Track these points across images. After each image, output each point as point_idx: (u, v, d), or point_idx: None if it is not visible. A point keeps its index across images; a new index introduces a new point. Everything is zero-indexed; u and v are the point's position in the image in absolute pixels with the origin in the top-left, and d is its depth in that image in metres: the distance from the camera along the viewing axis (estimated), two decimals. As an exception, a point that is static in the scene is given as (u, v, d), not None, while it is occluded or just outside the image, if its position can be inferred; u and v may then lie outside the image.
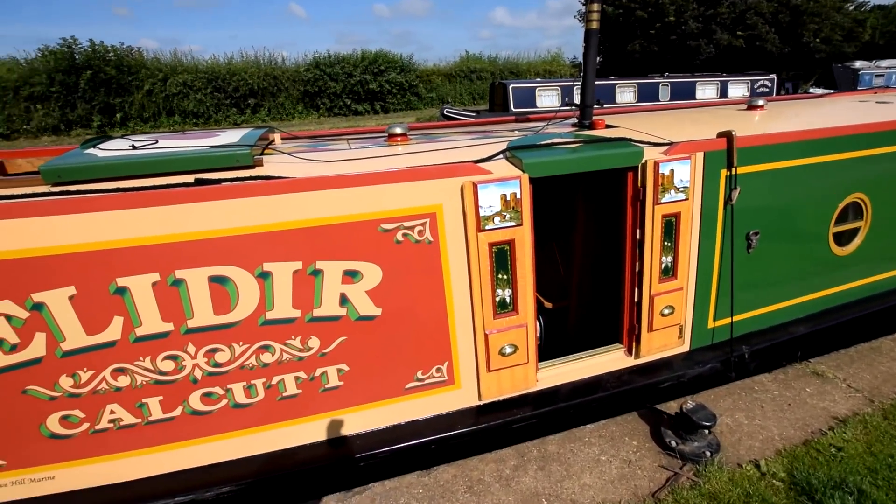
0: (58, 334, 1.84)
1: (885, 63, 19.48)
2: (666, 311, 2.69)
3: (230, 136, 2.49)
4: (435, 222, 2.17)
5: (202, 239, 1.89)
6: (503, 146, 2.54)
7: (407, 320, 2.26)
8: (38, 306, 1.79)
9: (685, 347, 2.91)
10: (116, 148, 2.22)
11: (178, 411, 2.06)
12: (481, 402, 2.53)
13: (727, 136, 2.57)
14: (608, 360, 2.82)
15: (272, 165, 2.27)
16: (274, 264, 2.00)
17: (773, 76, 17.79)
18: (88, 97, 20.10)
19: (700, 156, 2.55)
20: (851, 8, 25.04)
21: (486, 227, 2.22)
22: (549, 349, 3.30)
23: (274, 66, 22.92)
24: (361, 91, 23.37)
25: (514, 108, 15.49)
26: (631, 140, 2.58)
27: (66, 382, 1.90)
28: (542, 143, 2.54)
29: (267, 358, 2.10)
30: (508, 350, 2.42)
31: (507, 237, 2.26)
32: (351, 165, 2.30)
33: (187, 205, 1.85)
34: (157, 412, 2.04)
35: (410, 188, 2.11)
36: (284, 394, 2.17)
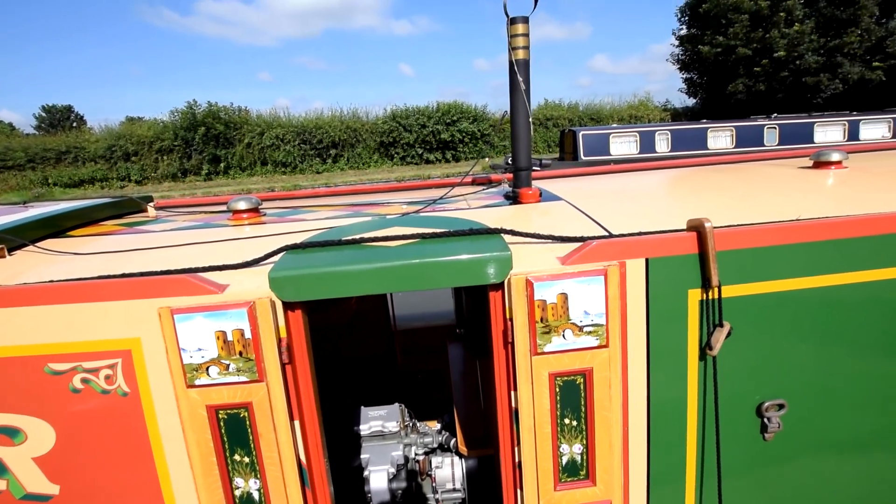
0: None
1: None
2: None
3: (37, 213, 2.06)
4: (130, 365, 1.46)
5: None
6: (304, 238, 1.69)
7: None
8: None
9: None
10: None
11: None
12: None
13: (698, 229, 1.38)
14: None
15: (19, 260, 1.75)
16: None
17: (929, 113, 14.24)
18: (200, 149, 23.33)
19: (637, 266, 1.41)
20: None
21: (197, 383, 1.43)
22: None
23: (355, 119, 24.58)
24: (434, 140, 23.85)
25: (585, 156, 14.47)
26: (507, 233, 1.52)
27: None
28: (349, 237, 1.60)
29: None
30: None
31: (236, 399, 1.44)
32: (116, 262, 1.66)
33: None
34: None
35: (92, 312, 1.42)
36: None
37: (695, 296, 1.41)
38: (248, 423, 1.44)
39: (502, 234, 1.49)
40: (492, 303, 1.44)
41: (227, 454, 1.45)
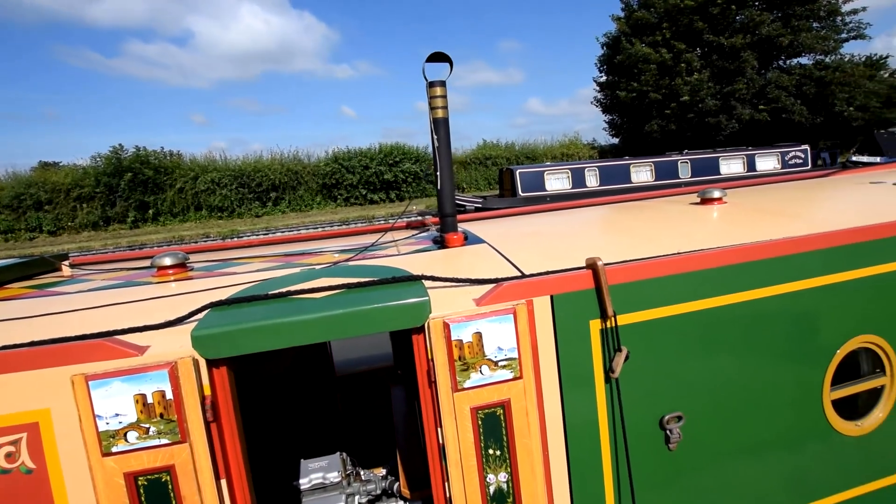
0: None
1: (936, 127, 17.86)
2: None
3: None
4: (37, 439, 1.36)
5: None
6: (241, 290, 1.69)
7: None
8: None
9: None
10: None
11: None
12: None
13: (593, 267, 1.56)
14: None
15: None
16: None
17: (806, 147, 16.66)
18: (126, 196, 21.87)
19: (543, 303, 1.55)
20: (886, 75, 23.89)
21: (114, 450, 1.36)
22: None
23: (296, 161, 24.32)
24: (377, 181, 24.07)
25: (522, 192, 15.23)
26: (427, 279, 1.62)
27: None
28: (275, 291, 1.60)
29: None
30: None
31: (158, 464, 1.38)
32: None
33: None
34: None
35: None
36: None
37: (595, 326, 1.56)
38: (170, 486, 1.36)
39: (423, 280, 1.58)
40: (415, 345, 1.52)
41: None
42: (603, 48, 27.63)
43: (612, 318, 1.53)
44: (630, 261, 1.62)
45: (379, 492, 2.45)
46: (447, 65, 2.05)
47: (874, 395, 1.88)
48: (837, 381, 1.81)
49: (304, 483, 2.39)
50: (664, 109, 24.18)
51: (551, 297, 1.53)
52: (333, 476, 2.38)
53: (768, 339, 1.69)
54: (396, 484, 2.40)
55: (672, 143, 23.44)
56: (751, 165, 16.02)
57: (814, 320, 1.74)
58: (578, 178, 15.41)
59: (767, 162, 16.18)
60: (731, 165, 16.04)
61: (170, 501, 1.36)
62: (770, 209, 2.40)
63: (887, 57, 23.84)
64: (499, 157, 26.32)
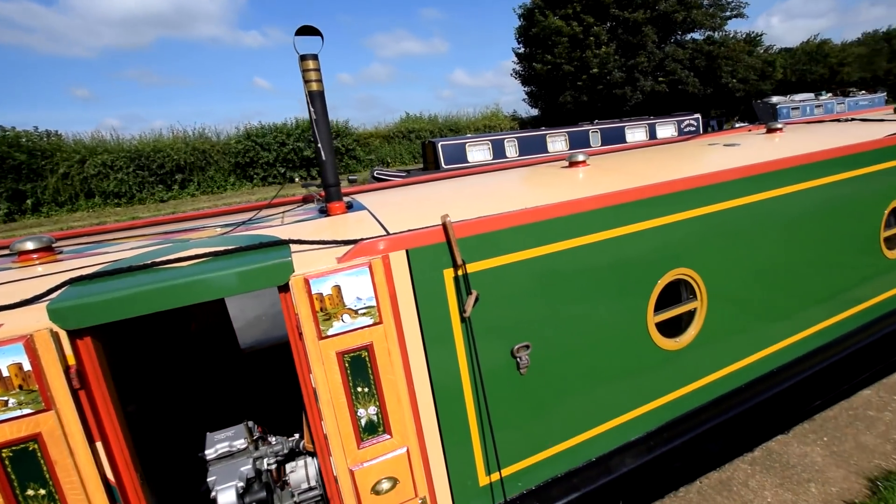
0: None
1: (798, 97, 20.52)
2: (384, 485, 1.78)
3: None
4: None
5: None
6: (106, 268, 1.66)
7: None
8: None
9: None
10: None
11: None
12: None
13: (443, 225, 1.77)
14: None
15: None
16: None
17: (698, 115, 18.33)
18: (-6, 185, 18.87)
19: (400, 256, 1.72)
20: (761, 51, 26.82)
21: None
22: None
23: (203, 140, 22.37)
24: (296, 158, 22.92)
25: (445, 164, 15.35)
26: (294, 243, 1.72)
27: None
28: (140, 264, 1.62)
29: None
30: None
31: (22, 433, 1.41)
32: None
33: None
34: None
35: None
36: None
37: (449, 274, 1.75)
38: (39, 454, 1.40)
39: (290, 244, 1.66)
40: (283, 302, 1.61)
41: (18, 492, 1.38)
42: (520, 19, 28.04)
43: (462, 267, 1.71)
44: (478, 217, 1.79)
45: (286, 451, 2.52)
46: (318, 38, 2.06)
47: (690, 316, 2.26)
48: (662, 306, 2.15)
49: (210, 453, 2.40)
50: (576, 81, 25.30)
51: (407, 251, 1.69)
52: (240, 443, 2.42)
53: (599, 276, 1.96)
54: (302, 441, 2.48)
55: (584, 114, 24.73)
56: (652, 133, 17.45)
57: (637, 258, 2.03)
58: (499, 149, 15.83)
59: (666, 130, 17.71)
60: (636, 134, 17.35)
61: (40, 468, 1.39)
62: (620, 169, 2.70)
63: (762, 34, 26.77)
64: (422, 131, 26.13)
